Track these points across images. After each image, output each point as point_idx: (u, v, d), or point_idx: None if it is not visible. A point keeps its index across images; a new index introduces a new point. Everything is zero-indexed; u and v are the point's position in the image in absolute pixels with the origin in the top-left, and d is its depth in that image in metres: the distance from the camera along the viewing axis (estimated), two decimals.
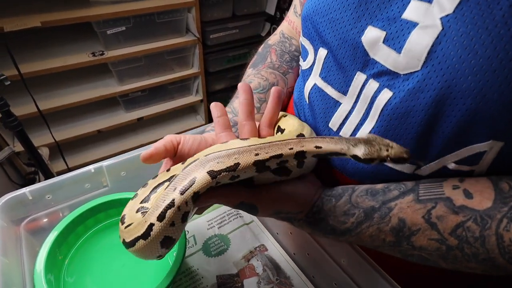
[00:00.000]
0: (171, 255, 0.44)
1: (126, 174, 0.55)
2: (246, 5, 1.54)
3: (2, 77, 0.84)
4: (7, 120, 0.87)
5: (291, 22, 0.57)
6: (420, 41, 0.30)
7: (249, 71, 0.56)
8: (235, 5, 1.50)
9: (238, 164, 0.30)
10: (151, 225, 0.30)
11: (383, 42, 0.33)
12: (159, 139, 0.41)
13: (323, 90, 0.41)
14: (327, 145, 0.32)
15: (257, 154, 0.31)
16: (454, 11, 0.28)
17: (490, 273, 0.29)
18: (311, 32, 0.41)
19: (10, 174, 1.30)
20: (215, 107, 0.38)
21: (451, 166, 0.33)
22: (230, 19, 1.52)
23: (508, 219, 0.27)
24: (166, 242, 0.31)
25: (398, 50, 0.32)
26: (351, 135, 0.38)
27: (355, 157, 0.30)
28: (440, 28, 0.28)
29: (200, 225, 0.57)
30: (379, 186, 0.35)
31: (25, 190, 0.47)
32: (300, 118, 0.49)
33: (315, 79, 0.43)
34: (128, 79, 1.42)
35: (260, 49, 0.59)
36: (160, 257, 0.33)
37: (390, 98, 0.33)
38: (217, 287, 0.48)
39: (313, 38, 0.42)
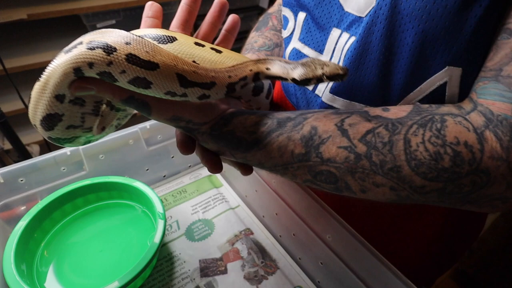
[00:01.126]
0: (151, 241, 0.42)
1: (105, 158, 0.53)
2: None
3: None
4: None
5: None
6: None
7: (252, 34, 0.57)
8: None
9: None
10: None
11: None
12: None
13: (300, 52, 0.42)
14: (274, 68, 0.32)
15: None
16: None
17: (399, 197, 0.27)
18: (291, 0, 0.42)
19: None
20: (150, 6, 0.34)
21: None
22: None
23: (418, 125, 0.26)
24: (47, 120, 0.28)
25: None
26: (323, 92, 0.39)
27: (294, 80, 0.31)
28: None
29: (184, 210, 0.55)
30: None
31: None
32: (283, 85, 0.50)
33: (294, 43, 0.43)
34: None
35: (261, 18, 0.60)
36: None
37: (352, 42, 0.35)
38: (199, 271, 0.46)
39: (292, 4, 0.43)
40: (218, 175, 0.62)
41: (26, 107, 1.06)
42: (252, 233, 0.51)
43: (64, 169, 0.50)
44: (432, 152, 0.25)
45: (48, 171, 0.49)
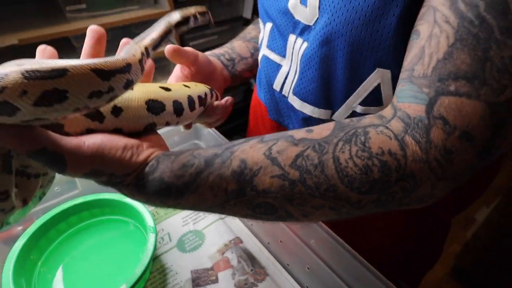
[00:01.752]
0: (143, 254, 0.44)
1: None
2: (222, 11, 1.57)
3: None
4: None
5: None
6: None
7: (250, 26, 0.63)
8: (212, 11, 1.52)
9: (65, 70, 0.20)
10: None
11: (300, 2, 0.39)
12: None
13: (268, 57, 0.48)
14: (157, 32, 0.33)
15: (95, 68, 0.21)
16: None
17: (340, 214, 0.28)
18: (262, 11, 0.48)
19: None
20: (93, 30, 0.29)
21: (359, 109, 0.38)
22: (208, 26, 1.54)
23: (343, 141, 0.27)
24: None
25: (305, 4, 0.38)
26: (289, 93, 0.45)
27: (177, 23, 0.34)
28: None
29: (175, 222, 0.57)
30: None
31: None
32: (258, 90, 0.55)
33: (263, 50, 0.49)
34: None
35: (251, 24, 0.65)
36: None
37: (305, 49, 0.39)
38: (191, 282, 0.48)
39: (263, 16, 0.48)
40: None
41: None
42: (241, 242, 0.53)
43: (57, 189, 0.52)
44: (361, 166, 0.26)
45: None
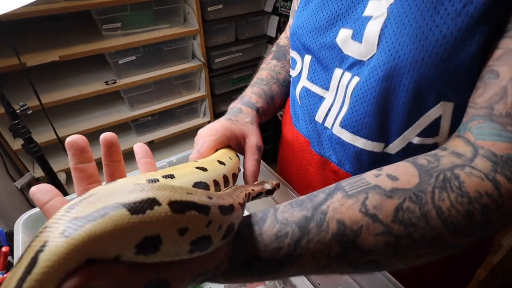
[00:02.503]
0: None
1: None
2: (248, 29, 1.62)
3: (24, 108, 0.91)
4: (28, 146, 0.94)
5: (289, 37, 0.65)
6: (372, 29, 0.36)
7: (273, 61, 0.62)
8: (237, 30, 1.59)
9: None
10: None
11: (352, 38, 0.39)
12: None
13: (309, 90, 0.48)
14: (255, 187, 0.36)
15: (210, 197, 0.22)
16: (395, 0, 0.35)
17: (440, 255, 0.28)
18: (297, 44, 0.48)
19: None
20: (140, 148, 0.32)
21: (416, 140, 0.38)
22: (233, 43, 1.60)
23: (438, 189, 0.27)
24: None
25: (360, 41, 0.38)
26: (332, 125, 0.45)
27: (267, 191, 0.37)
28: (386, 15, 0.35)
29: None
30: (301, 197, 0.31)
31: None
32: (293, 120, 0.55)
33: (303, 82, 0.49)
34: (138, 105, 1.50)
35: (274, 47, 0.65)
36: None
37: (357, 83, 0.39)
38: None
39: (299, 48, 0.49)
40: None
41: (58, 137, 1.15)
42: None
43: None
44: (464, 212, 0.26)
45: None
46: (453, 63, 0.32)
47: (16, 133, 0.91)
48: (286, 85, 0.59)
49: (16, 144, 1.23)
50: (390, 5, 0.35)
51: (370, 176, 0.30)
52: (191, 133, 1.85)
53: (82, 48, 1.22)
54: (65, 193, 1.15)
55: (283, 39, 0.66)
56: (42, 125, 1.22)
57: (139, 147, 0.32)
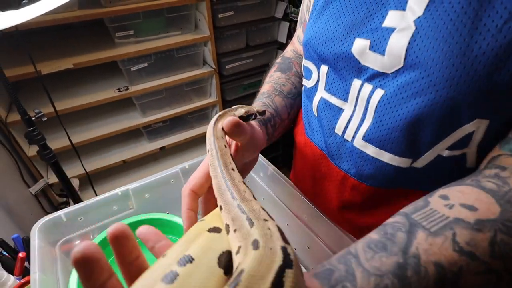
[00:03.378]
0: None
1: (150, 196, 0.59)
2: (258, 36, 1.63)
3: (40, 114, 0.92)
4: (43, 153, 0.95)
5: (296, 49, 0.64)
6: (398, 42, 0.35)
7: (277, 73, 0.60)
8: (248, 36, 1.59)
9: None
10: None
11: (369, 49, 0.38)
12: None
13: (328, 101, 0.47)
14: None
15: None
16: (423, 13, 0.33)
17: None
18: (312, 54, 0.47)
19: (43, 204, 1.38)
20: (147, 233, 0.28)
21: (445, 153, 0.37)
22: (244, 50, 1.60)
23: None
24: None
25: (382, 53, 0.37)
26: (353, 137, 0.43)
27: (241, 117, 0.37)
28: (414, 28, 0.34)
29: None
30: (373, 236, 0.28)
31: (61, 212, 0.52)
32: (307, 132, 0.54)
33: (321, 93, 0.48)
34: (150, 111, 1.51)
35: (279, 59, 0.64)
36: None
37: (382, 96, 0.38)
38: None
39: (314, 58, 0.48)
40: None
41: (71, 143, 1.16)
42: None
43: (115, 208, 0.56)
44: None
45: (102, 210, 0.55)
46: (493, 81, 0.30)
47: (32, 140, 0.93)
48: (291, 97, 0.57)
49: (31, 150, 1.26)
50: (418, 18, 0.33)
51: (440, 207, 0.28)
52: (202, 139, 1.86)
53: (95, 56, 1.24)
54: (78, 199, 1.16)
55: (289, 51, 0.65)
56: (56, 132, 1.24)
57: (146, 233, 0.27)
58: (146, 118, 1.50)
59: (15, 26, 0.80)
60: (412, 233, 0.27)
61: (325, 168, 0.50)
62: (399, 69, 0.36)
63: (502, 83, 0.30)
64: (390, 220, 0.29)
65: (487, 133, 0.33)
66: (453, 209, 0.27)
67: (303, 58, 0.51)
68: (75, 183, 1.40)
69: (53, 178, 1.36)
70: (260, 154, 0.62)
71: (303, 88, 0.56)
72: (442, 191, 0.30)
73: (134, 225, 0.56)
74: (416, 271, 0.25)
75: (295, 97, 0.57)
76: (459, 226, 0.26)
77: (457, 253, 0.25)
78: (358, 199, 0.47)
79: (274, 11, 1.62)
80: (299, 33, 0.61)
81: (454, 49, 0.31)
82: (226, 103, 1.71)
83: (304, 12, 0.56)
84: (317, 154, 0.52)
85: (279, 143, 1.96)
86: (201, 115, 1.71)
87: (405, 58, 0.35)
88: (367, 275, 0.25)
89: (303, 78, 0.54)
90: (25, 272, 0.54)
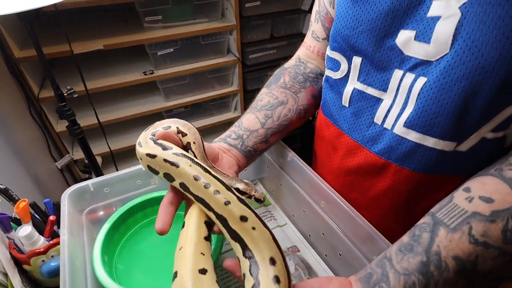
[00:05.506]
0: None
1: None
2: (284, 27, 1.62)
3: (71, 91, 0.97)
4: (72, 128, 1.00)
5: (310, 47, 0.62)
6: (445, 29, 0.35)
7: (262, 90, 0.61)
8: (273, 27, 1.59)
9: None
10: None
11: (414, 39, 0.39)
12: None
13: (364, 92, 0.47)
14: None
15: None
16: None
17: None
18: (342, 45, 0.47)
19: (68, 179, 1.45)
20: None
21: (489, 135, 0.38)
22: (268, 40, 1.60)
23: None
24: None
25: (428, 41, 0.37)
26: (392, 126, 0.44)
27: (237, 189, 0.38)
28: (460, 14, 0.34)
29: None
30: (404, 239, 0.34)
31: (89, 182, 0.55)
32: (337, 124, 0.53)
33: (353, 84, 0.48)
34: (173, 96, 1.54)
35: (275, 72, 0.64)
36: None
37: (424, 83, 0.39)
38: None
39: (344, 50, 0.47)
40: (267, 194, 0.68)
41: (99, 121, 1.21)
42: (298, 251, 0.55)
43: (139, 182, 0.59)
44: None
45: (127, 183, 0.58)
46: None
47: (62, 115, 0.97)
48: (268, 108, 0.56)
49: (59, 126, 1.32)
50: (463, 4, 0.34)
51: (461, 201, 0.32)
52: (220, 127, 1.88)
53: (124, 39, 1.28)
54: (101, 175, 1.21)
55: (294, 58, 0.63)
56: (83, 110, 1.29)
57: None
58: (169, 103, 1.53)
59: (54, 5, 0.84)
60: (435, 231, 0.31)
61: (360, 158, 0.50)
62: (445, 55, 0.36)
63: None
64: (420, 221, 0.34)
65: None
66: (472, 202, 0.31)
67: (328, 49, 0.51)
68: (98, 160, 1.46)
69: (77, 155, 1.42)
70: (281, 141, 0.63)
71: (324, 79, 0.55)
72: (467, 183, 0.34)
73: (156, 200, 0.58)
74: (437, 266, 0.30)
75: (273, 107, 0.55)
76: (475, 220, 0.30)
77: (472, 245, 0.29)
78: (402, 186, 0.47)
79: (300, 3, 1.60)
80: (315, 28, 0.59)
81: (505, 31, 0.32)
82: (247, 93, 1.72)
83: (326, 5, 0.55)
84: (350, 145, 0.51)
85: (296, 135, 1.95)
86: (222, 103, 1.73)
87: (452, 44, 0.35)
88: (397, 275, 0.31)
89: (326, 69, 0.53)
90: (54, 234, 0.58)
